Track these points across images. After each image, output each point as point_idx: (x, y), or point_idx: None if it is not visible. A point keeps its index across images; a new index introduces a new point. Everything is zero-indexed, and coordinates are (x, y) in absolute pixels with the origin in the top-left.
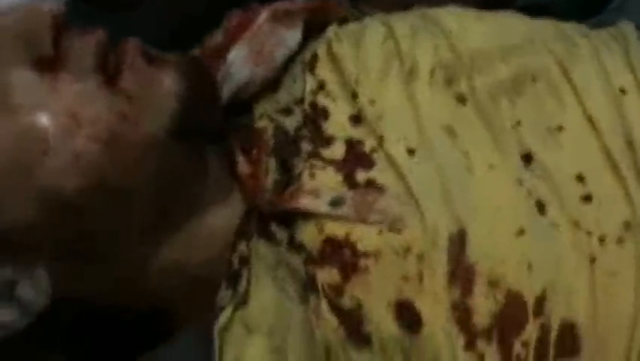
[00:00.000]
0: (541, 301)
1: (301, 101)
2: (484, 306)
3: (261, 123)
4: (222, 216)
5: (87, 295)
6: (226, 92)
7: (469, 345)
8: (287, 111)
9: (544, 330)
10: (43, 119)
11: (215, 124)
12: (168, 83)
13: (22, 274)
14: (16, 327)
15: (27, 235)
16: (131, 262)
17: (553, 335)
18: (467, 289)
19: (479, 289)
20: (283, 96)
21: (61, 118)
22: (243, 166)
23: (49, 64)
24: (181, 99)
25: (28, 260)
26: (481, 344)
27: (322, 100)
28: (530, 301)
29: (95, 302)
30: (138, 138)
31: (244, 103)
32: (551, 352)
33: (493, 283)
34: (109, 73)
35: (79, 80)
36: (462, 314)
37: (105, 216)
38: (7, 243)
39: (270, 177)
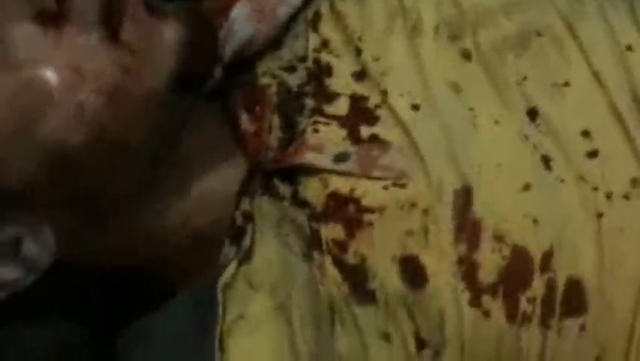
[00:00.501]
0: (547, 257)
1: (304, 58)
2: (490, 261)
3: (264, 81)
4: (226, 174)
5: (89, 254)
6: (228, 50)
7: (475, 301)
8: (290, 69)
9: (551, 286)
10: (47, 73)
11: (216, 80)
12: (169, 34)
13: (27, 231)
14: (21, 285)
15: (31, 192)
16: (133, 220)
17: (559, 291)
18: (473, 244)
19: (485, 244)
20: (286, 54)
21: (65, 72)
22: (245, 124)
23: (52, 18)
24: (181, 49)
25: (32, 218)
26: (486, 300)
27: (326, 57)
28: (537, 256)
29: (97, 262)
30: (140, 91)
31: (247, 61)
32: (558, 309)
33: (499, 239)
34: (112, 26)
35: (82, 34)
36: (468, 269)
37: (107, 171)
38: (11, 200)
39: (274, 134)
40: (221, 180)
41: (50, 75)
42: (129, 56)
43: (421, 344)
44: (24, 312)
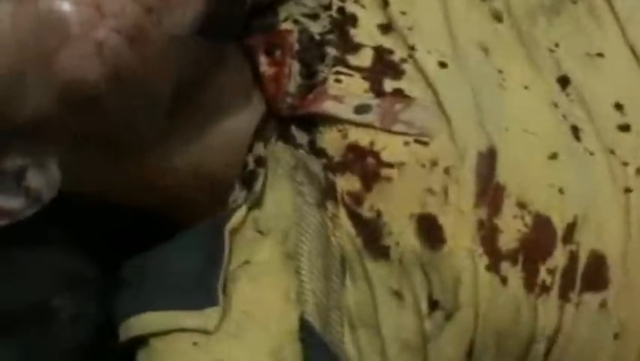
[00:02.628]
0: (571, 228)
1: (329, 6)
2: (511, 227)
3: (286, 25)
4: (242, 119)
5: (98, 189)
6: None
7: (493, 266)
8: (313, 16)
9: (573, 259)
10: (65, 6)
11: (240, 24)
12: None
13: (33, 162)
14: (23, 215)
15: (42, 125)
16: (146, 159)
17: (581, 264)
18: (495, 208)
19: (508, 210)
20: (309, 1)
21: (84, 7)
22: (265, 67)
23: None
24: None
25: (40, 150)
26: (504, 267)
27: (351, 6)
28: (560, 227)
29: (105, 196)
30: (163, 34)
31: (268, 5)
32: (578, 283)
33: (522, 205)
34: None
35: None
36: (487, 234)
37: (123, 110)
38: (20, 129)
39: (293, 80)
40: (237, 123)
41: (68, 9)
42: None
43: (433, 305)
44: (27, 239)
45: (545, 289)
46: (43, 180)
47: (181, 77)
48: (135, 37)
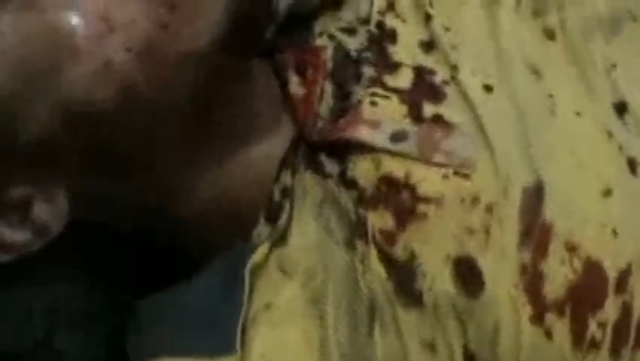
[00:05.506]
0: (625, 275)
1: (367, 20)
2: (558, 274)
3: (320, 42)
4: (270, 144)
5: (109, 218)
6: (282, 5)
7: (537, 318)
8: (350, 31)
9: (626, 311)
10: (73, 20)
11: (268, 37)
12: None
13: (39, 193)
14: (29, 249)
15: (47, 149)
16: (162, 185)
17: (635, 317)
18: (541, 251)
19: (555, 253)
20: (347, 14)
21: (93, 20)
22: (295, 87)
23: None
24: (230, 6)
25: (46, 178)
26: (550, 318)
27: (391, 21)
28: (612, 274)
29: (116, 226)
30: (177, 51)
31: (303, 18)
32: (632, 338)
33: (570, 248)
34: None
35: None
36: (532, 280)
37: (134, 134)
38: (24, 157)
39: (325, 102)
40: (264, 148)
41: (76, 22)
42: (168, 10)
43: (469, 359)
44: (34, 273)
45: (595, 344)
46: (51, 211)
47: (198, 96)
48: (147, 54)
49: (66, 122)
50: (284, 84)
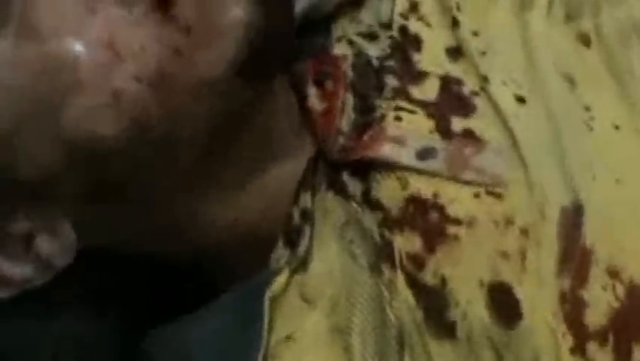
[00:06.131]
0: None
1: (389, 25)
2: (600, 300)
3: (340, 49)
4: (290, 164)
5: (120, 244)
6: (298, 9)
7: (578, 348)
8: (371, 36)
9: None
10: (76, 49)
11: (288, 60)
12: (235, 12)
13: (42, 226)
14: (34, 284)
15: (49, 184)
16: (177, 210)
17: None
18: (581, 277)
19: (596, 278)
20: (367, 17)
21: (98, 48)
22: (314, 101)
23: None
24: (251, 32)
25: (50, 212)
26: (592, 348)
27: (415, 25)
28: None
29: (127, 251)
30: (193, 79)
31: (320, 21)
32: None
33: (613, 274)
34: None
35: (122, 3)
36: (572, 309)
37: (145, 168)
38: (26, 190)
39: (346, 116)
40: (285, 169)
41: (79, 51)
42: (182, 35)
43: None
44: (39, 303)
45: None
46: (56, 245)
47: (215, 125)
48: (160, 83)
49: (71, 157)
50: (302, 98)
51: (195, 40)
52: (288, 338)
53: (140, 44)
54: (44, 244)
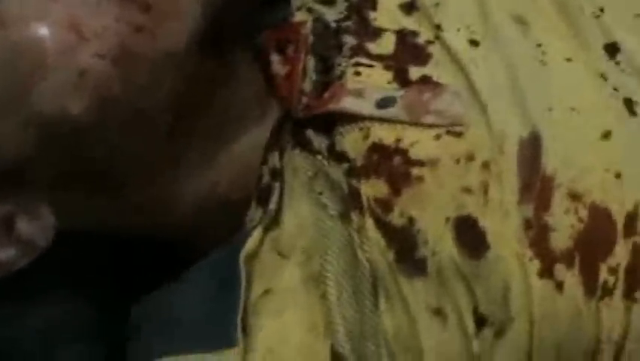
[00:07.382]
0: (632, 218)
1: None
2: (564, 224)
3: (299, 17)
4: (258, 131)
5: (102, 224)
6: None
7: (546, 271)
8: (328, 2)
9: (637, 253)
10: (41, 32)
11: (249, 31)
12: None
13: (21, 210)
14: (15, 267)
15: (25, 167)
16: (152, 186)
17: None
18: (543, 203)
19: (558, 203)
20: None
21: (62, 30)
22: (277, 67)
23: None
24: (209, 5)
25: (27, 195)
26: (559, 270)
27: None
28: (620, 218)
29: (109, 230)
30: (155, 54)
31: None
32: None
33: (574, 197)
34: None
35: None
36: (537, 234)
37: (115, 143)
38: (2, 175)
39: (308, 78)
40: (253, 136)
41: (44, 34)
42: (142, 12)
43: (480, 322)
44: (22, 287)
45: (608, 290)
46: (36, 227)
47: (181, 99)
48: (122, 59)
49: (41, 138)
50: (266, 66)
51: (155, 17)
52: (267, 291)
53: (102, 24)
54: (24, 226)
